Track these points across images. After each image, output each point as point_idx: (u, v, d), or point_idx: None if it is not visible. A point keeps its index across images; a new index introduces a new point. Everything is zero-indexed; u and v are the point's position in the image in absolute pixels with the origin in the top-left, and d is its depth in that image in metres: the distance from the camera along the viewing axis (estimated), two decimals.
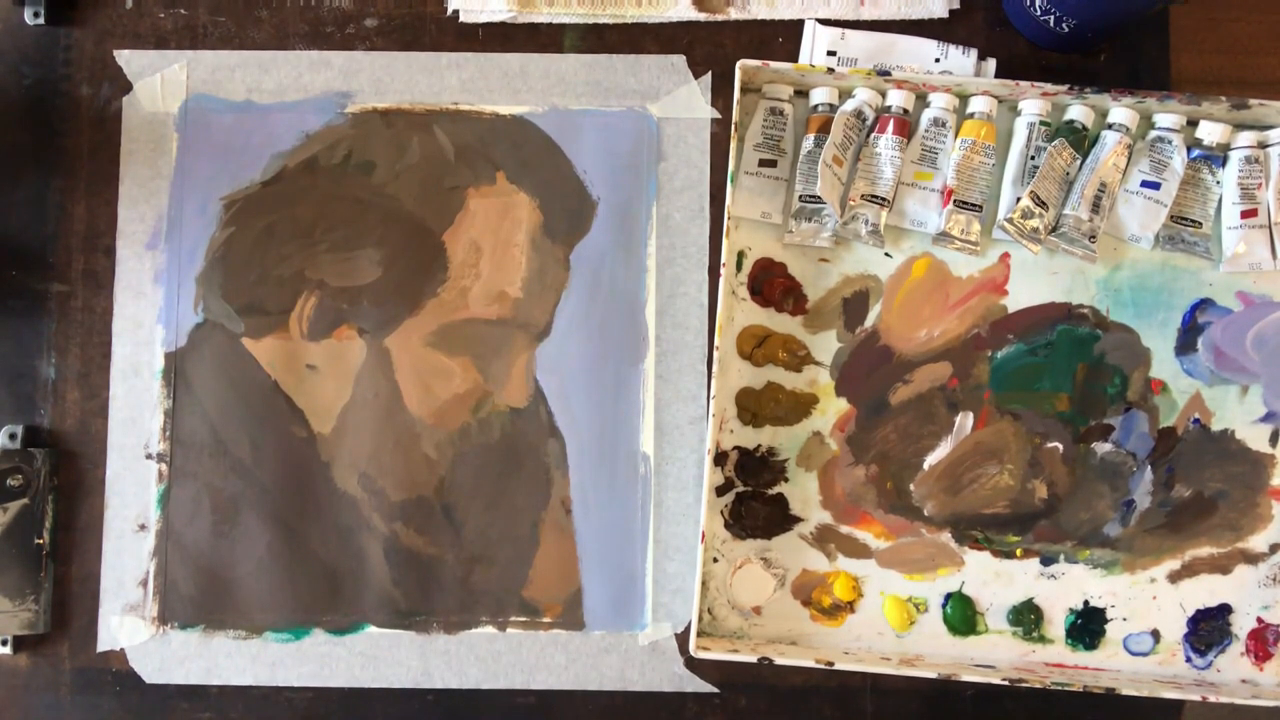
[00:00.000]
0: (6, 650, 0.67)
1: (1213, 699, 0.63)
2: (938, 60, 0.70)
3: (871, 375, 0.69)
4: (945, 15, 0.71)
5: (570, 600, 0.68)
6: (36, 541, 0.67)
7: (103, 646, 0.68)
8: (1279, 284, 0.69)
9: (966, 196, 0.67)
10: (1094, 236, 0.67)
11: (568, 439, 0.69)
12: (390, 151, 0.70)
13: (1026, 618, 0.68)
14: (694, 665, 0.67)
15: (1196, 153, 0.68)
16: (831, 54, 0.70)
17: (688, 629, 0.67)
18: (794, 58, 0.71)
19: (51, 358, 0.70)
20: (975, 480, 0.69)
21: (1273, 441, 0.69)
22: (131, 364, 0.69)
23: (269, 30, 0.71)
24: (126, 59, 0.71)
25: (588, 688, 0.68)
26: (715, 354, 0.66)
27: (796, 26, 0.71)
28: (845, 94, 0.69)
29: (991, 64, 0.70)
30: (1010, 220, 0.67)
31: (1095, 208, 0.67)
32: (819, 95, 0.69)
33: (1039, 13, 0.67)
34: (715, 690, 0.68)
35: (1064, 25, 0.67)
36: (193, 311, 0.69)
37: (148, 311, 0.70)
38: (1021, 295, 0.69)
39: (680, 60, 0.71)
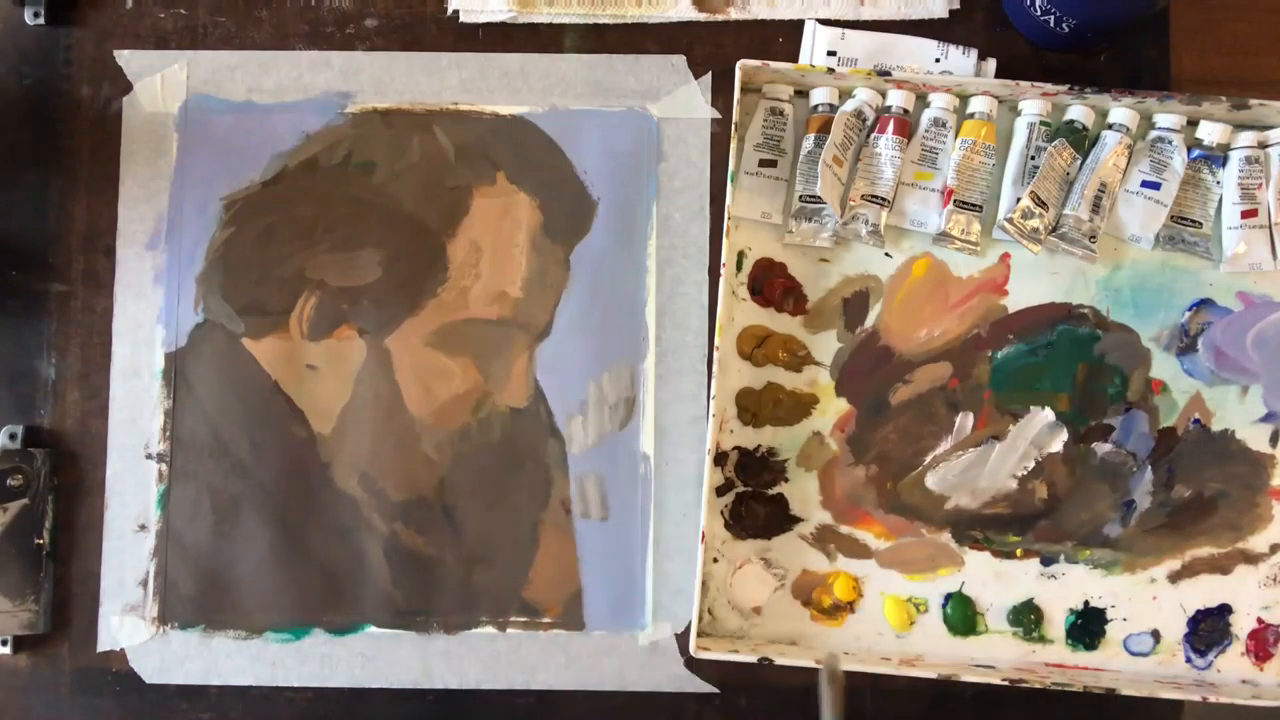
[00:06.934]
0: (6, 650, 0.67)
1: (1213, 699, 0.63)
2: (938, 60, 0.70)
3: (871, 375, 0.69)
4: (945, 15, 0.71)
5: (570, 600, 0.68)
6: (36, 541, 0.67)
7: (103, 646, 0.68)
8: (1279, 284, 0.69)
9: (966, 196, 0.67)
10: (1094, 236, 0.67)
11: (567, 439, 0.69)
12: (390, 151, 0.70)
13: (1026, 618, 0.68)
14: (694, 665, 0.67)
15: (1196, 153, 0.68)
16: (831, 54, 0.70)
17: (688, 629, 0.67)
18: (794, 58, 0.71)
19: (51, 358, 0.70)
20: None
21: (1273, 441, 0.69)
22: (131, 364, 0.69)
23: (269, 30, 0.71)
24: (126, 59, 0.71)
25: (588, 688, 0.68)
26: (715, 354, 0.66)
27: (796, 26, 0.71)
28: (845, 94, 0.69)
29: (991, 64, 0.70)
30: (1010, 220, 0.67)
31: (1095, 208, 0.67)
32: (819, 95, 0.69)
33: (1039, 13, 0.67)
34: (715, 690, 0.68)
35: (1064, 25, 0.67)
36: (193, 311, 0.69)
37: (148, 311, 0.70)
38: (1022, 295, 0.69)
39: (680, 60, 0.71)
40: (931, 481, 0.69)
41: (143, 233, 0.70)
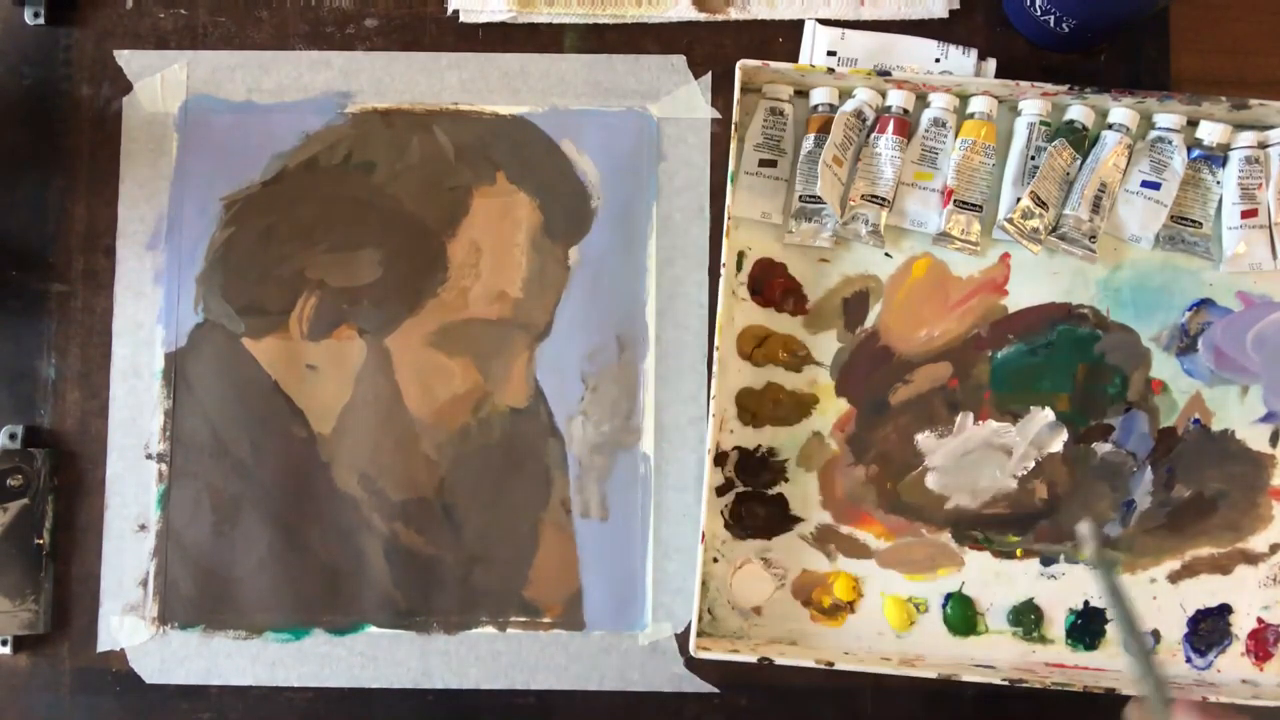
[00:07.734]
0: (6, 650, 0.67)
1: (1213, 699, 0.63)
2: (938, 60, 0.70)
3: (871, 375, 0.69)
4: (945, 15, 0.71)
5: (570, 600, 0.68)
6: (36, 541, 0.67)
7: (103, 646, 0.68)
8: (1279, 284, 0.69)
9: (966, 196, 0.67)
10: (1094, 236, 0.67)
11: (568, 439, 0.69)
12: (390, 151, 0.70)
13: (1027, 618, 0.68)
14: (694, 665, 0.67)
15: (1196, 153, 0.68)
16: (831, 54, 0.70)
17: (688, 629, 0.67)
18: (794, 58, 0.71)
19: (51, 358, 0.70)
20: None
21: (1273, 441, 0.69)
22: (131, 364, 0.69)
23: (269, 30, 0.71)
24: (126, 59, 0.71)
25: (588, 688, 0.68)
26: (715, 354, 0.66)
27: (796, 26, 0.71)
28: (845, 94, 0.69)
29: (991, 64, 0.70)
30: (1010, 220, 0.67)
31: (1095, 208, 0.67)
32: (819, 95, 0.69)
33: (1039, 13, 0.67)
34: (715, 690, 0.68)
35: (1064, 25, 0.67)
36: (193, 311, 0.69)
37: (148, 311, 0.70)
38: (1022, 295, 0.69)
39: (680, 60, 0.71)
40: (931, 481, 0.69)
41: (143, 233, 0.70)
